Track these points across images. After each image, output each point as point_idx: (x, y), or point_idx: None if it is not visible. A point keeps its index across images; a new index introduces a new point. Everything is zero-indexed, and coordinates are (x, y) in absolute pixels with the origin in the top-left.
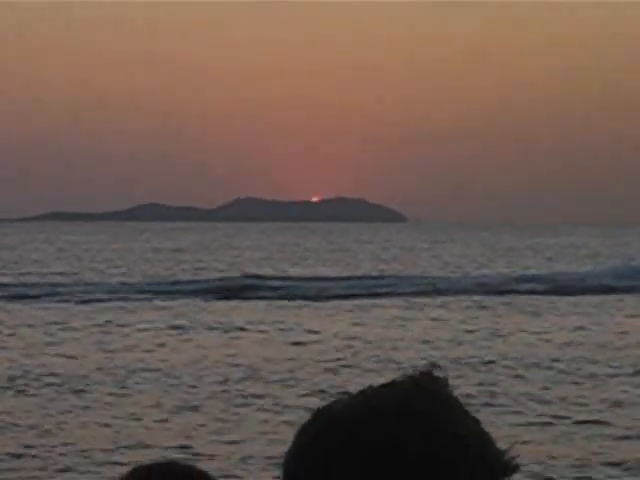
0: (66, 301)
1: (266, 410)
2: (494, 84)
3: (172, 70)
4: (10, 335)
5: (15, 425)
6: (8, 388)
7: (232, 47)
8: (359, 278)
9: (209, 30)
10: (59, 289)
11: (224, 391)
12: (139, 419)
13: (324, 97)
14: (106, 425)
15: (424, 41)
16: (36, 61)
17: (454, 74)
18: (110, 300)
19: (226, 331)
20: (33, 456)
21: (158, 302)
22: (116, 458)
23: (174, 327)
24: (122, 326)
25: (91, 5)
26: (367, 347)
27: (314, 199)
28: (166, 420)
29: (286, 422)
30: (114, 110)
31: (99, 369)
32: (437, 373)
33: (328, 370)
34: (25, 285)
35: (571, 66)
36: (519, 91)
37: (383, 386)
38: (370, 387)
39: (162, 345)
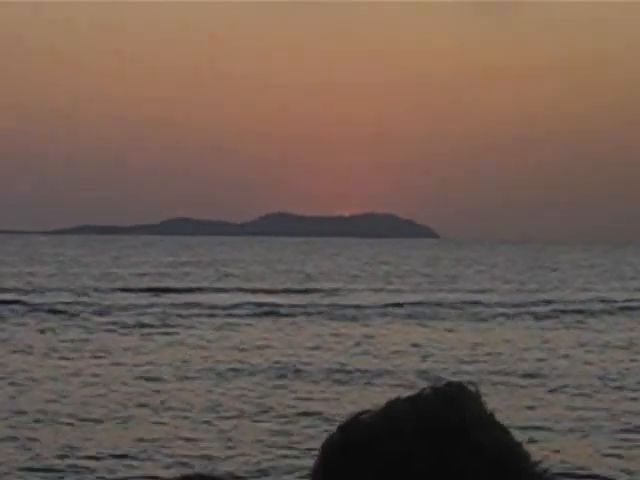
0: None
1: None
2: (524, 99)
3: (202, 84)
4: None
5: None
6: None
7: (264, 61)
8: None
9: (241, 42)
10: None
11: None
12: None
13: (356, 112)
14: None
15: (456, 54)
16: (68, 77)
17: (486, 89)
18: None
19: None
20: None
21: None
22: None
23: None
24: None
25: (121, 18)
26: None
27: (346, 214)
28: None
29: None
30: (145, 125)
31: None
32: (468, 386)
33: None
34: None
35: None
36: (546, 107)
37: (408, 398)
38: (396, 399)
39: None
